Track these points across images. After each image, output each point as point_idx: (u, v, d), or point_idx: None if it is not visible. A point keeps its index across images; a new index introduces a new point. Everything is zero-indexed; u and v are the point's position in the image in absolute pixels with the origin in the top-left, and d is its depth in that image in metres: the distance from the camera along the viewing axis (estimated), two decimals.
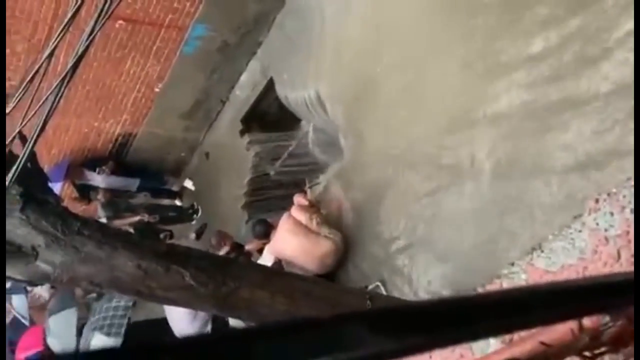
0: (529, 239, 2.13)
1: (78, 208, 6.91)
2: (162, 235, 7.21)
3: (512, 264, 0.84)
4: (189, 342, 0.34)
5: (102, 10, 2.72)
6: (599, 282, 0.44)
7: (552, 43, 2.91)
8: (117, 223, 6.68)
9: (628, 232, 0.69)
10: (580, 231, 0.74)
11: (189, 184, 8.37)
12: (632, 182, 0.69)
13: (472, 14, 3.53)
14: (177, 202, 8.32)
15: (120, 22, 6.08)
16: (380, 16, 4.49)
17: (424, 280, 3.62)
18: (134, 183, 7.77)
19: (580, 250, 0.74)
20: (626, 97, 2.41)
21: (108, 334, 4.92)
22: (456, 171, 3.51)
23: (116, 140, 7.69)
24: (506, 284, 0.85)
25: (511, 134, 3.15)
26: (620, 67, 2.56)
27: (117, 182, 7.60)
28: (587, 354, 0.69)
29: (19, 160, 2.30)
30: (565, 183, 2.65)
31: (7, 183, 2.30)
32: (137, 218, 6.88)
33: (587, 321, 0.61)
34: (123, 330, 4.90)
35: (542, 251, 0.78)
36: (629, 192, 0.70)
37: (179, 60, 6.65)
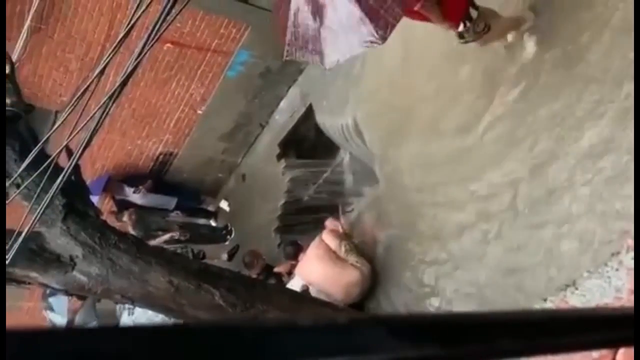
0: (564, 275, 2.06)
1: (116, 222, 7.06)
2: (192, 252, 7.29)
3: (545, 300, 0.82)
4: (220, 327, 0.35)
5: (151, 33, 2.82)
6: (618, 315, 0.43)
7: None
8: (152, 243, 6.78)
9: None
10: (617, 270, 0.72)
11: (224, 204, 8.46)
12: None
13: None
14: (212, 222, 8.41)
15: (169, 45, 6.30)
16: (409, 50, 4.48)
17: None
18: (171, 201, 7.91)
19: (616, 289, 0.72)
20: None
21: None
22: (492, 208, 3.45)
23: (157, 158, 7.88)
24: None
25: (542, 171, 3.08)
26: None
27: (154, 200, 7.75)
28: None
29: (63, 173, 2.39)
30: (604, 219, 2.56)
31: (51, 194, 2.39)
32: (168, 235, 6.95)
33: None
34: None
35: (577, 288, 0.76)
36: None
37: (222, 84, 6.82)
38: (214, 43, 6.40)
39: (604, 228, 2.39)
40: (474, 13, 3.25)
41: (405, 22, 2.98)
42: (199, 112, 7.25)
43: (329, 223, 4.87)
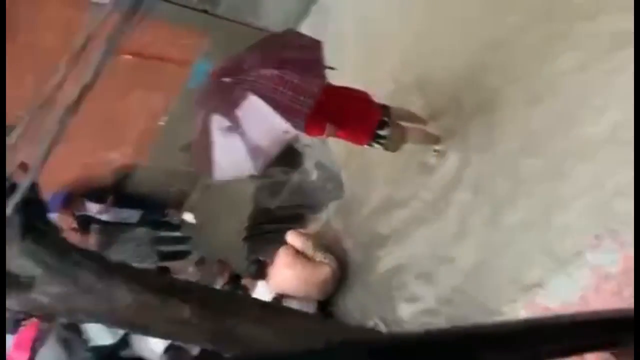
0: (530, 276, 2.11)
1: (76, 239, 6.86)
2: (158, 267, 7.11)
3: (513, 301, 0.83)
4: None
5: (109, 45, 2.77)
6: (604, 318, 0.43)
7: None
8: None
9: (630, 269, 0.69)
10: (581, 268, 0.74)
11: (189, 217, 8.33)
12: (632, 218, 0.70)
13: None
14: (177, 233, 8.27)
15: (128, 56, 6.18)
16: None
17: (422, 317, 3.57)
18: (135, 215, 7.74)
19: (581, 288, 0.74)
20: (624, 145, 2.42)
21: None
22: (458, 209, 3.51)
23: (118, 171, 7.70)
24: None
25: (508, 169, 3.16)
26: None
27: (117, 214, 7.56)
28: None
29: (20, 190, 2.31)
30: (567, 219, 2.63)
31: (7, 213, 2.30)
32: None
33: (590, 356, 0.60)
34: None
35: (543, 288, 0.78)
36: (630, 229, 0.70)
37: (183, 95, 6.73)
38: (175, 53, 6.31)
39: (567, 229, 2.49)
40: (385, 131, 3.50)
41: None
42: (161, 123, 7.13)
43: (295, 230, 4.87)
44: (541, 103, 3.09)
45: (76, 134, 6.89)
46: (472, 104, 3.64)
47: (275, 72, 3.11)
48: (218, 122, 3.16)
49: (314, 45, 3.32)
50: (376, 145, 3.54)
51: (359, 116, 3.46)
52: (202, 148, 3.28)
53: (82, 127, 6.86)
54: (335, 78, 3.40)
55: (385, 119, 3.50)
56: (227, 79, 3.16)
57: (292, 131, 3.02)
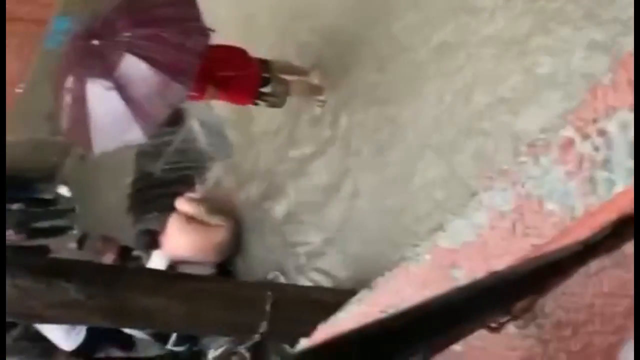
0: (430, 220, 2.24)
1: None
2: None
3: (416, 246, 0.86)
4: None
5: None
6: (526, 271, 0.46)
7: None
8: None
9: (521, 206, 0.73)
10: (477, 209, 0.77)
11: (63, 190, 7.78)
12: (522, 159, 0.73)
13: None
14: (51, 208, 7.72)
15: None
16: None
17: (324, 267, 3.67)
18: None
19: (479, 227, 0.77)
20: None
21: None
22: (346, 153, 3.59)
23: None
24: (412, 267, 0.87)
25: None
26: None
27: None
28: (492, 324, 0.72)
29: None
30: (461, 163, 2.80)
31: None
32: None
33: None
34: None
35: (444, 231, 0.81)
36: (519, 168, 0.74)
37: (41, 57, 6.11)
38: (24, 10, 5.67)
39: (459, 172, 2.67)
40: (268, 88, 3.41)
41: None
42: (18, 90, 6.47)
43: (185, 194, 4.73)
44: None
45: None
46: (349, 52, 3.69)
47: (152, 30, 2.90)
48: (93, 88, 2.90)
49: (188, 1, 3.13)
50: (262, 104, 3.48)
51: (239, 76, 3.34)
52: (76, 121, 3.01)
53: None
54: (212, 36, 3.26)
55: (266, 75, 3.44)
56: (96, 42, 2.88)
57: (180, 91, 2.85)
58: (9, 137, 6.87)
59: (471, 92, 2.81)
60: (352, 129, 3.58)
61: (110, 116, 2.88)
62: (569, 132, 0.69)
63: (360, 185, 3.48)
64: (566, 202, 0.69)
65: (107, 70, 2.84)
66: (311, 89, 3.82)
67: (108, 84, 2.83)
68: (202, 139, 5.23)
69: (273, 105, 3.51)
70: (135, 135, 2.87)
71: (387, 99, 3.33)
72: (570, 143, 0.69)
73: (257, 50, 3.62)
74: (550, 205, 0.70)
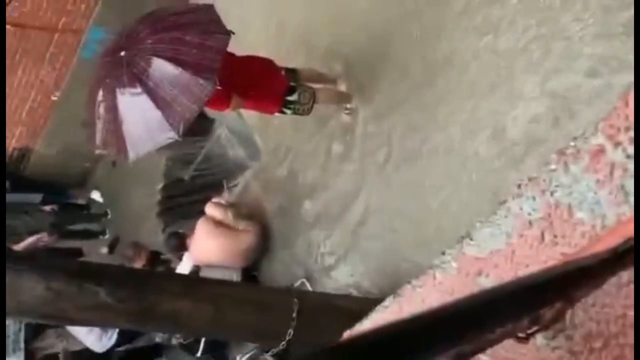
0: (458, 228, 2.22)
1: None
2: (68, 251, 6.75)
3: (443, 253, 0.85)
4: None
5: None
6: (550, 277, 0.45)
7: None
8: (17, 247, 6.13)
9: (550, 215, 0.72)
10: (506, 217, 0.76)
11: (96, 195, 7.94)
12: (551, 167, 0.72)
13: None
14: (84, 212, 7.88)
15: (8, 27, 5.65)
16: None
17: (350, 274, 3.66)
18: (36, 198, 7.25)
19: (507, 235, 0.76)
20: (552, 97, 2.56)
21: None
22: (374, 161, 3.58)
23: (12, 155, 7.15)
24: (439, 274, 0.86)
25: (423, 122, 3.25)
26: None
27: (16, 199, 7.05)
28: (520, 335, 0.71)
29: None
30: (491, 171, 2.77)
31: None
32: (34, 238, 6.26)
33: None
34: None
35: (472, 239, 0.80)
36: (548, 176, 0.73)
37: (76, 66, 6.28)
38: (61, 21, 5.84)
39: (492, 181, 2.64)
40: (294, 96, 3.45)
41: None
42: (54, 98, 6.65)
43: (212, 200, 4.78)
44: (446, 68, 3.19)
45: None
46: (380, 61, 3.68)
47: (174, 34, 2.98)
48: (123, 96, 2.97)
49: (206, 8, 3.23)
50: (288, 112, 3.50)
51: (265, 85, 3.39)
52: (110, 132, 3.09)
53: None
54: (241, 49, 3.32)
55: (293, 83, 3.46)
56: (122, 53, 2.97)
57: (206, 87, 2.90)
58: (46, 142, 7.07)
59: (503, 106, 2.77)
60: (379, 136, 3.56)
61: (142, 120, 2.95)
62: (599, 139, 0.68)
63: (385, 193, 3.46)
64: (597, 210, 0.68)
65: (135, 76, 2.91)
66: (339, 97, 3.82)
67: (137, 89, 2.90)
68: (230, 146, 5.28)
69: (299, 113, 3.53)
70: (168, 135, 2.92)
71: (416, 107, 3.31)
72: (601, 151, 0.68)
73: (285, 59, 3.65)
74: (580, 214, 0.69)
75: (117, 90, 2.98)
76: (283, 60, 3.61)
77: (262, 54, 3.55)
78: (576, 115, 2.40)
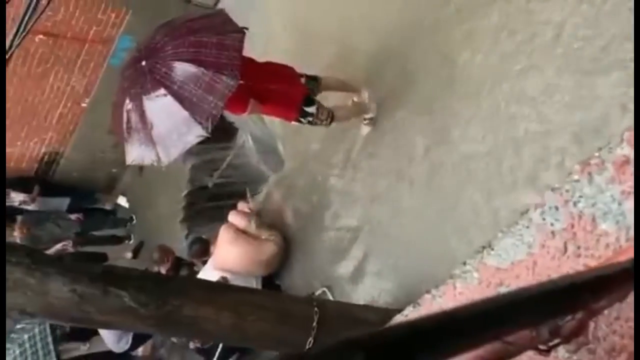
0: (479, 238, 2.19)
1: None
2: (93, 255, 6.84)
3: (464, 264, 0.85)
4: None
5: (20, 25, 2.58)
6: (566, 284, 0.44)
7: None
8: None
9: (573, 225, 0.71)
10: (527, 227, 0.75)
11: (122, 200, 8.07)
12: (574, 177, 0.71)
13: None
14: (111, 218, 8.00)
15: (41, 36, 5.80)
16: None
17: (372, 283, 3.64)
18: (63, 203, 7.40)
19: (528, 246, 0.75)
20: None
21: None
22: (397, 173, 3.56)
23: (42, 159, 7.32)
24: (459, 284, 0.85)
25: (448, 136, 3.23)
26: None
27: (44, 204, 7.20)
28: (542, 347, 0.70)
29: None
30: (514, 183, 2.74)
31: None
32: (59, 245, 6.38)
33: None
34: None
35: (493, 249, 0.79)
36: (571, 187, 0.72)
37: (106, 73, 6.41)
38: (92, 30, 5.98)
39: (513, 191, 2.61)
40: (312, 108, 3.49)
41: None
42: (84, 105, 6.79)
43: (237, 206, 4.82)
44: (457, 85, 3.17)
45: None
46: (399, 72, 3.68)
47: (191, 38, 3.06)
48: (149, 102, 3.04)
49: (217, 12, 3.38)
50: (304, 121, 3.53)
51: (283, 91, 3.42)
52: (143, 140, 3.17)
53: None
54: (263, 53, 3.38)
55: (312, 95, 3.51)
56: (143, 63, 3.05)
57: (229, 82, 2.95)
58: (75, 148, 7.21)
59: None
60: (400, 148, 3.55)
61: (171, 122, 3.01)
62: (625, 150, 0.67)
63: (406, 203, 3.44)
64: (622, 222, 0.67)
65: (159, 82, 3.00)
66: (359, 110, 3.82)
67: (162, 93, 2.97)
68: (254, 154, 5.32)
69: (314, 125, 3.56)
70: (197, 132, 2.98)
71: (438, 118, 3.30)
72: (626, 162, 0.67)
73: (310, 66, 3.67)
74: (604, 225, 0.68)
75: (143, 97, 3.05)
76: (307, 67, 3.64)
77: (285, 58, 3.59)
78: None
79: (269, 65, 3.47)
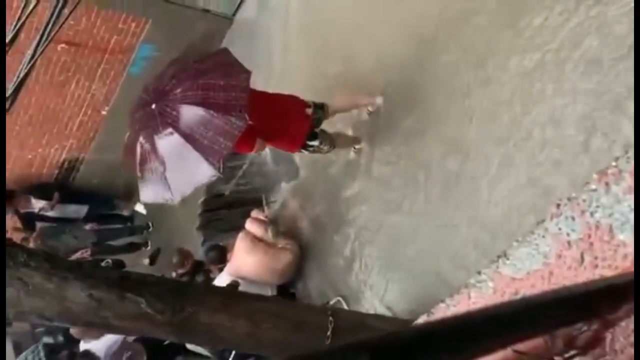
0: (494, 247, 2.17)
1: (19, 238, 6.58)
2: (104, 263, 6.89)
3: (479, 273, 0.84)
4: None
5: (43, 34, 2.63)
6: (580, 291, 0.44)
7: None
8: None
9: (589, 236, 0.70)
10: (543, 237, 0.75)
11: (140, 207, 8.14)
12: (591, 187, 0.71)
13: None
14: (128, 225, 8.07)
15: (63, 45, 5.91)
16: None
17: (386, 293, 3.62)
18: (81, 210, 7.49)
19: (544, 256, 0.75)
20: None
21: None
22: (413, 181, 3.55)
23: (62, 165, 7.43)
24: (474, 294, 0.85)
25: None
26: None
27: (64, 210, 7.30)
28: (557, 358, 0.69)
29: None
30: (529, 189, 2.72)
31: None
32: (77, 255, 6.46)
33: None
34: None
35: (508, 258, 0.79)
36: (588, 197, 0.71)
37: (125, 82, 6.51)
38: (113, 39, 6.08)
39: (529, 199, 2.59)
40: (315, 142, 3.68)
41: None
42: (103, 112, 6.89)
43: (252, 214, 4.83)
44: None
45: (14, 130, 6.62)
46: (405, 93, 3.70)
47: (199, 80, 3.14)
48: (161, 141, 3.13)
49: (223, 51, 3.54)
50: (306, 152, 3.75)
51: (288, 128, 3.57)
52: (158, 181, 3.24)
53: (20, 123, 6.60)
54: (282, 83, 3.47)
55: (316, 129, 3.64)
56: (153, 106, 3.14)
57: (238, 123, 3.02)
58: (95, 155, 7.31)
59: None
60: (415, 156, 3.55)
61: (183, 164, 3.12)
62: None
63: (421, 211, 3.42)
64: None
65: (169, 125, 3.09)
66: (355, 140, 4.03)
67: (173, 136, 3.08)
68: (270, 163, 5.34)
69: (315, 153, 3.77)
70: (209, 173, 3.07)
71: (456, 120, 3.29)
72: None
73: (317, 93, 3.75)
74: (621, 236, 0.67)
75: (155, 137, 3.13)
76: (314, 94, 3.69)
77: (300, 84, 3.70)
78: None
79: (275, 100, 3.57)
